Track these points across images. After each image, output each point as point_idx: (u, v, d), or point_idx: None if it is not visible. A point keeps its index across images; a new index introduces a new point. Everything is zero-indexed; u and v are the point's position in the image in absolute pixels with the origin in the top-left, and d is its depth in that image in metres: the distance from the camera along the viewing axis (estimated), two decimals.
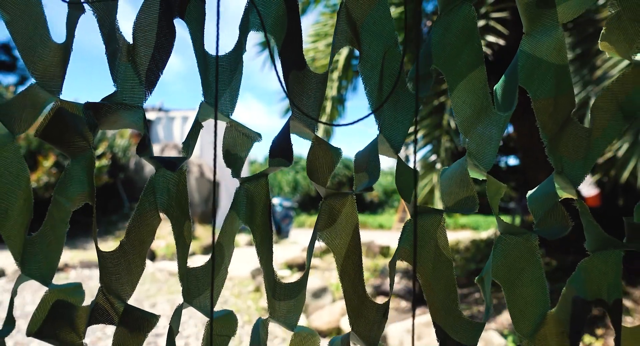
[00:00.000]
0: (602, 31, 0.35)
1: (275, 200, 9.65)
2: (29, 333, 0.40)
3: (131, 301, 0.40)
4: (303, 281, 0.36)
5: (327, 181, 0.36)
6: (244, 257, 4.69)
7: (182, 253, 0.37)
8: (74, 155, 0.41)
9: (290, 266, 5.03)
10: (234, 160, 0.38)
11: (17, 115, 0.40)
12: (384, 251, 5.77)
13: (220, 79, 0.35)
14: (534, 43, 0.34)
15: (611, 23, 0.35)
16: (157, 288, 4.32)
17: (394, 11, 3.32)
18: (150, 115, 11.24)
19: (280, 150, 0.33)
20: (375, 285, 3.97)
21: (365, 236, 7.78)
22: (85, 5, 0.38)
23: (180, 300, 3.96)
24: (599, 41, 0.36)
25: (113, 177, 7.87)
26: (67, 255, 5.58)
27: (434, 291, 0.35)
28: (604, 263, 0.35)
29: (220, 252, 0.37)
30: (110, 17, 0.37)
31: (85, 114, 0.37)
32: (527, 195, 0.37)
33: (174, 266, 4.72)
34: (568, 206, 0.36)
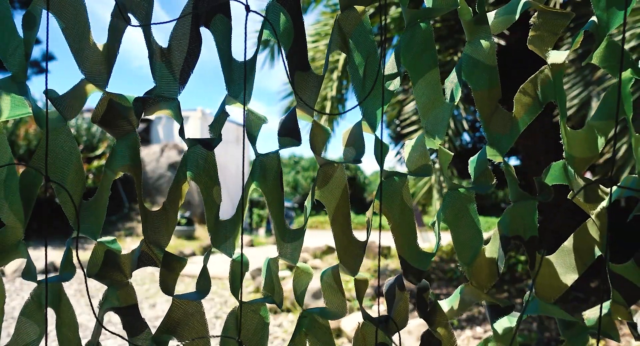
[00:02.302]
0: (529, 37, 0.48)
1: None
2: (90, 275, 0.53)
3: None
4: (303, 228, 0.49)
5: (321, 152, 0.49)
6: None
7: (211, 209, 0.49)
8: (120, 136, 0.52)
9: (290, 267, 5.18)
10: (251, 137, 0.50)
11: (69, 104, 0.50)
12: (384, 252, 5.93)
13: (241, 78, 0.46)
14: (473, 48, 0.47)
15: (534, 30, 0.48)
16: (156, 288, 4.42)
17: (396, 10, 3.46)
18: (150, 115, 11.10)
19: (289, 130, 0.46)
20: (375, 286, 4.13)
21: (365, 236, 7.86)
22: (132, 18, 0.49)
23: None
24: (527, 43, 0.49)
25: None
26: (59, 255, 5.55)
27: (400, 233, 0.49)
28: (522, 210, 0.49)
29: (239, 208, 0.50)
30: (148, 27, 0.48)
31: (135, 105, 0.48)
32: (469, 160, 0.50)
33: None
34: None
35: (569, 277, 0.50)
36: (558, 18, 0.44)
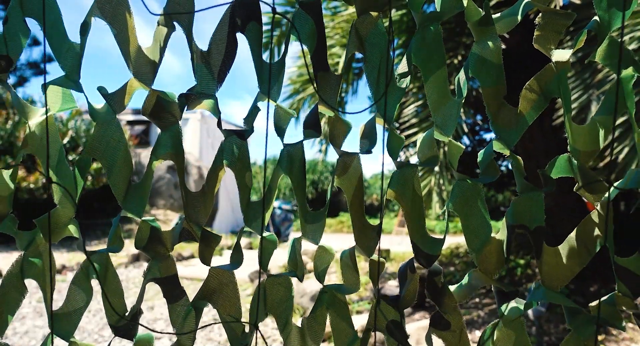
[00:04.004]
0: (534, 36, 0.52)
1: (275, 203, 9.81)
2: (138, 247, 0.61)
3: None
4: (325, 210, 0.56)
5: (341, 144, 0.55)
6: (249, 259, 4.86)
7: (244, 193, 0.57)
8: (165, 127, 0.61)
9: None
10: (280, 130, 0.57)
11: (119, 98, 0.59)
12: (384, 254, 5.95)
13: (272, 76, 0.54)
14: (481, 48, 0.51)
15: (539, 30, 0.51)
16: (155, 290, 4.50)
17: (396, 13, 3.52)
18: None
19: (312, 124, 0.52)
20: (373, 290, 4.14)
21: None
22: (176, 25, 0.57)
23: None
24: (533, 43, 0.53)
25: None
26: (65, 257, 5.76)
27: (412, 219, 0.54)
28: (527, 200, 0.52)
29: (270, 192, 0.57)
30: (190, 33, 0.56)
31: (179, 100, 0.56)
32: (478, 154, 0.54)
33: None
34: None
35: (574, 266, 0.53)
36: (560, 18, 0.48)
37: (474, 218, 0.53)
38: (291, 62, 5.16)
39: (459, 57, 3.46)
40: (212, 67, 0.56)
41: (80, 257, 5.88)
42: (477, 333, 3.08)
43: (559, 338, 3.36)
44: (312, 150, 7.34)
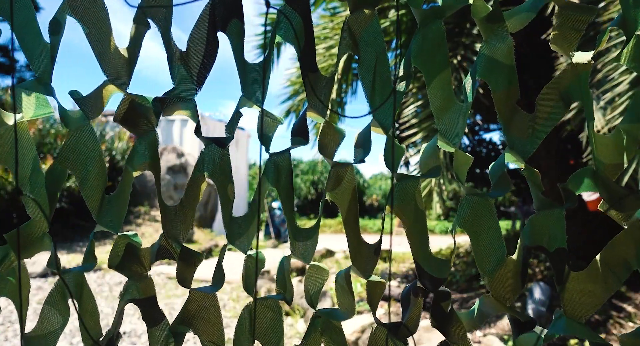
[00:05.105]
0: (551, 36, 0.47)
1: (275, 204, 9.73)
2: (111, 266, 0.56)
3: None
4: (316, 227, 0.50)
5: (333, 154, 0.49)
6: (241, 261, 4.78)
7: (227, 206, 0.51)
8: (141, 134, 0.56)
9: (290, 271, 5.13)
10: (265, 138, 0.51)
11: (93, 103, 0.54)
12: (383, 255, 5.88)
13: (255, 79, 0.48)
14: (491, 48, 0.45)
15: (556, 29, 0.46)
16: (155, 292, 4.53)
17: (394, 14, 3.46)
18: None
19: (299, 131, 0.47)
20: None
21: (365, 239, 7.73)
22: (150, 21, 0.52)
23: (177, 304, 4.14)
24: (549, 43, 0.47)
25: (112, 180, 7.78)
26: (65, 258, 5.67)
27: (414, 235, 0.48)
28: (545, 219, 0.46)
29: (255, 206, 0.51)
30: (168, 31, 0.51)
31: (154, 105, 0.51)
32: (490, 166, 0.49)
33: (171, 270, 4.78)
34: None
35: (600, 293, 0.47)
36: (580, 13, 0.42)
37: (485, 238, 0.48)
38: (290, 62, 5.13)
39: (458, 57, 3.41)
40: (190, 69, 0.51)
41: (79, 259, 5.85)
42: (478, 333, 3.03)
43: (559, 338, 3.31)
44: (312, 151, 7.30)
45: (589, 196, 3.74)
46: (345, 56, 3.74)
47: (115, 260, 0.54)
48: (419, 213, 0.47)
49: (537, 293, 3.34)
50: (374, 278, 0.50)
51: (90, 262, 0.57)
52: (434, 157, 0.46)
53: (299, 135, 0.47)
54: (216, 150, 0.52)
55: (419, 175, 0.47)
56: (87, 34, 0.52)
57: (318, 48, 4.23)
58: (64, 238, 6.90)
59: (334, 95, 4.24)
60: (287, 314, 3.74)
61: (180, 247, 0.53)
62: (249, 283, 0.51)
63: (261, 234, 10.87)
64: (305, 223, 13.26)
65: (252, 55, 5.49)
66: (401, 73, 0.46)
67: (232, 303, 4.14)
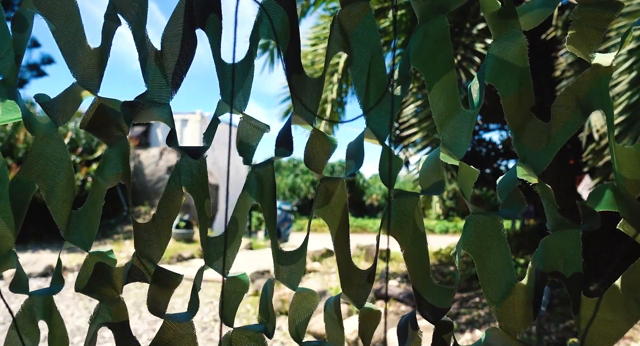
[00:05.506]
0: (567, 36, 0.41)
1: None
2: (77, 289, 0.50)
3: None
4: (302, 249, 0.44)
5: (323, 167, 0.44)
6: (242, 261, 4.73)
7: (203, 224, 0.46)
8: (111, 143, 0.50)
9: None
10: (246, 149, 0.46)
11: (60, 109, 0.49)
12: (383, 254, 5.83)
13: (235, 81, 0.43)
14: (501, 48, 0.40)
15: (574, 28, 0.40)
16: None
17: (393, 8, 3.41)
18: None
19: (283, 141, 0.41)
20: (375, 289, 4.05)
21: (365, 240, 7.71)
22: (121, 18, 0.47)
23: (178, 304, 4.12)
24: (566, 44, 0.42)
25: None
26: (65, 259, 5.67)
27: (413, 260, 0.43)
28: (560, 240, 0.41)
29: (234, 224, 0.46)
30: (142, 28, 0.45)
31: (123, 110, 0.45)
32: (497, 181, 0.43)
33: (172, 268, 4.79)
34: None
35: (622, 323, 0.42)
36: (603, 10, 0.37)
37: (492, 263, 0.42)
38: None
39: (458, 57, 3.37)
40: (165, 71, 0.46)
41: (80, 258, 5.79)
42: (478, 333, 3.01)
43: (559, 338, 3.27)
44: None
45: (588, 195, 3.70)
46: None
47: (83, 282, 0.49)
48: (419, 235, 0.42)
49: None
50: (368, 305, 0.45)
51: (57, 284, 0.51)
52: (436, 171, 0.41)
53: (283, 146, 0.42)
54: (194, 161, 0.46)
55: (419, 192, 0.42)
56: (54, 32, 0.47)
57: (318, 48, 4.16)
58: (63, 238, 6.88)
59: (334, 95, 4.18)
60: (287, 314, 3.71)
61: (155, 268, 0.48)
62: (229, 310, 0.46)
63: (261, 234, 10.82)
64: (305, 223, 13.22)
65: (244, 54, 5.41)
66: (398, 75, 0.41)
67: None
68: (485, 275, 0.43)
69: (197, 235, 8.38)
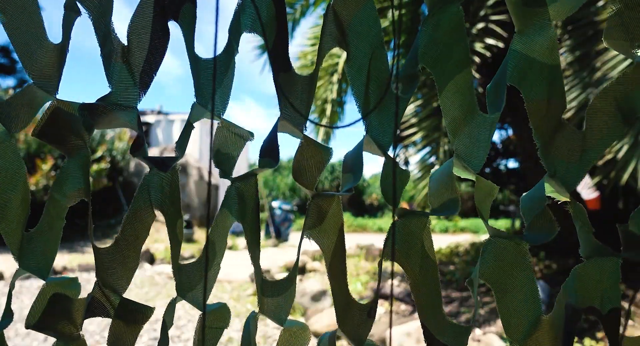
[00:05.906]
0: (604, 28, 0.35)
1: (275, 204, 9.69)
2: (28, 326, 0.43)
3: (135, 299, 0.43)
4: (291, 278, 0.38)
5: (315, 182, 0.38)
6: (242, 261, 4.65)
7: (175, 249, 0.39)
8: (70, 153, 0.43)
9: (289, 270, 5.02)
10: (225, 159, 0.39)
11: (15, 114, 0.42)
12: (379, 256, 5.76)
13: (211, 80, 0.36)
14: (526, 42, 0.34)
15: (613, 20, 0.34)
16: (156, 292, 4.35)
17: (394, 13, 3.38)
18: (149, 118, 11.47)
19: (268, 150, 0.35)
20: (375, 289, 4.00)
21: (365, 239, 7.69)
22: (81, 8, 0.40)
23: (178, 306, 4.07)
24: (603, 38, 0.36)
25: (112, 180, 7.68)
26: (66, 258, 5.58)
27: (422, 293, 0.36)
28: (598, 271, 0.34)
29: (212, 248, 0.39)
30: (105, 19, 0.39)
31: (81, 115, 0.39)
32: (520, 198, 0.37)
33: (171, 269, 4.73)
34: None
35: None
36: None
37: (515, 295, 0.36)
38: (290, 59, 5.00)
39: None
40: (132, 68, 0.39)
41: (80, 258, 5.68)
42: (478, 332, 2.93)
43: None
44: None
45: (588, 194, 3.65)
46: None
47: (35, 317, 0.42)
48: (428, 262, 0.35)
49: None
50: (370, 344, 0.38)
51: (6, 318, 0.44)
52: (449, 187, 0.34)
53: (268, 156, 0.35)
54: (164, 175, 0.40)
55: (428, 211, 0.35)
56: (5, 24, 0.41)
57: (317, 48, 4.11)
58: (64, 238, 6.81)
59: (334, 95, 4.09)
60: None
61: (120, 299, 0.41)
62: None
63: (262, 233, 10.73)
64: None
65: (252, 55, 5.30)
66: (402, 74, 0.34)
67: (232, 302, 4.04)
68: (505, 308, 0.37)
69: (197, 235, 8.29)
